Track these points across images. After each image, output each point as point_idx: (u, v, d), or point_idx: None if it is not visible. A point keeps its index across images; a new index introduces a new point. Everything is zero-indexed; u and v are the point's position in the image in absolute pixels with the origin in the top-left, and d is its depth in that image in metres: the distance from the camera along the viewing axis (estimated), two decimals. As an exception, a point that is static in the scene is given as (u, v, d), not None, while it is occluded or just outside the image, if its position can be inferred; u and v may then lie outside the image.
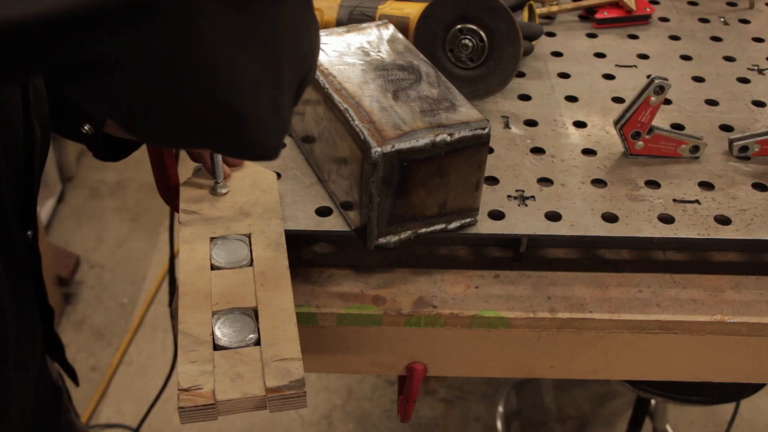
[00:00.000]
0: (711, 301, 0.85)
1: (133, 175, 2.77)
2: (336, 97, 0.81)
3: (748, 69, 1.16)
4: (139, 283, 2.39)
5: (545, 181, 0.92)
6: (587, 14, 1.27)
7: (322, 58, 0.87)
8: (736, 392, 1.47)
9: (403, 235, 0.81)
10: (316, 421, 2.03)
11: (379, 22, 0.94)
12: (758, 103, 1.08)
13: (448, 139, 0.76)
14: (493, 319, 0.83)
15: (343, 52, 0.88)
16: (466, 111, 0.80)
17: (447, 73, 1.04)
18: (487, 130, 0.78)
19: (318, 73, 0.84)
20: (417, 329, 0.84)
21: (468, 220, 0.84)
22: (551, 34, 1.23)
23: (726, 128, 1.03)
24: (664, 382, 1.40)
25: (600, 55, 1.18)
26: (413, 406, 0.92)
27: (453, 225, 0.83)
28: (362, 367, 0.89)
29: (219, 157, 0.85)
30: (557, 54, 1.18)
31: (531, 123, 1.02)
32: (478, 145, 0.78)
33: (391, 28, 0.93)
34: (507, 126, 1.01)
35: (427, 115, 0.79)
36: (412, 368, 0.88)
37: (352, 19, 1.09)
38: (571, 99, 1.07)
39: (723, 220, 0.87)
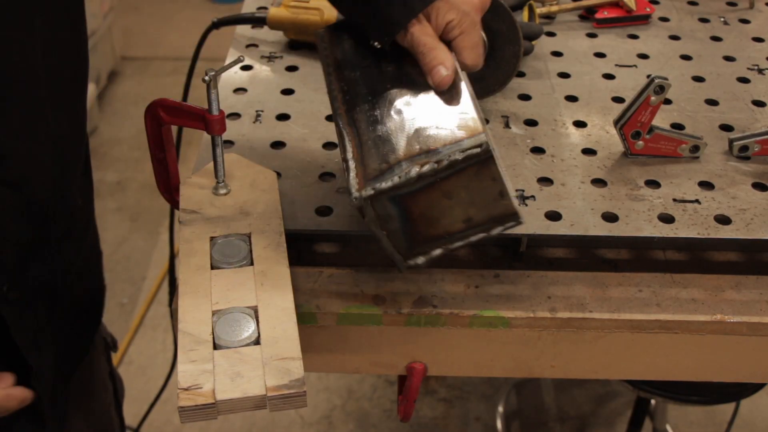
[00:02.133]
0: (711, 300, 0.85)
1: (133, 175, 2.77)
2: (340, 121, 0.78)
3: (748, 69, 1.16)
4: (139, 283, 2.39)
5: (545, 181, 0.92)
6: (587, 14, 1.27)
7: (342, 55, 0.84)
8: (736, 392, 1.47)
9: (434, 253, 0.76)
10: (316, 421, 2.03)
11: None
12: (758, 103, 1.08)
13: (436, 167, 0.70)
14: (493, 318, 0.83)
15: (353, 57, 0.84)
16: (464, 124, 0.73)
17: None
18: (483, 148, 0.70)
19: (331, 79, 0.82)
20: (417, 329, 0.84)
21: (510, 224, 0.75)
22: (551, 34, 1.23)
23: (726, 128, 1.03)
24: (664, 382, 1.40)
25: (600, 55, 1.18)
26: (413, 406, 0.92)
27: (496, 231, 0.75)
28: (362, 367, 0.89)
29: (220, 157, 0.84)
30: (557, 54, 1.18)
31: (531, 123, 1.02)
32: (480, 162, 0.71)
33: None
34: (507, 126, 1.01)
35: (417, 139, 0.72)
36: (412, 368, 0.88)
37: (352, 18, 1.09)
38: (571, 99, 1.07)
39: (723, 220, 0.87)
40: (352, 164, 0.73)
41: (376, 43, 0.82)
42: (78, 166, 0.85)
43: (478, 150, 0.70)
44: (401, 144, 0.73)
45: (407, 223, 0.73)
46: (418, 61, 0.79)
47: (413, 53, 0.79)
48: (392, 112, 0.77)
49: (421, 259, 0.76)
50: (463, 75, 0.79)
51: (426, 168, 0.70)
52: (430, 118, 0.74)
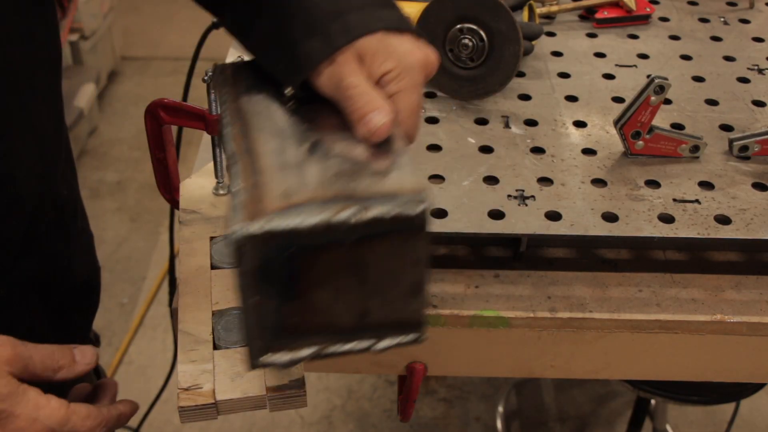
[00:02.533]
0: (711, 300, 0.85)
1: (133, 175, 2.77)
2: (230, 145, 0.60)
3: (748, 69, 1.16)
4: (139, 283, 2.39)
5: (545, 181, 0.92)
6: (587, 14, 1.27)
7: (244, 86, 0.68)
8: (736, 392, 1.47)
9: (302, 353, 0.58)
10: (316, 421, 2.03)
11: None
12: (758, 103, 1.08)
13: (355, 219, 0.52)
14: (493, 318, 0.83)
15: (269, 88, 0.67)
16: (400, 177, 0.56)
17: (447, 72, 1.04)
18: (420, 209, 0.53)
19: (227, 108, 0.65)
20: (417, 329, 0.83)
21: (409, 337, 0.59)
22: (551, 34, 1.23)
23: (726, 128, 1.03)
24: (664, 382, 1.40)
25: (600, 55, 1.18)
26: (413, 406, 0.92)
27: (384, 344, 0.59)
28: (362, 367, 0.89)
29: (220, 157, 0.84)
30: (557, 54, 1.18)
31: (531, 123, 1.02)
32: (409, 232, 0.54)
33: None
34: (507, 126, 1.01)
35: (341, 179, 0.55)
36: (412, 368, 0.88)
37: (352, 18, 1.09)
38: (571, 99, 1.07)
39: (723, 220, 0.87)
40: (241, 193, 0.55)
41: (287, 91, 0.65)
42: (60, 156, 0.84)
43: (413, 212, 0.53)
44: (313, 184, 0.55)
45: (289, 296, 0.55)
46: (344, 108, 0.61)
47: (337, 99, 0.62)
48: (306, 150, 0.59)
49: (283, 357, 0.58)
50: (398, 131, 0.62)
51: (343, 215, 0.52)
52: (357, 163, 0.57)
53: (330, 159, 0.57)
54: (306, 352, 0.58)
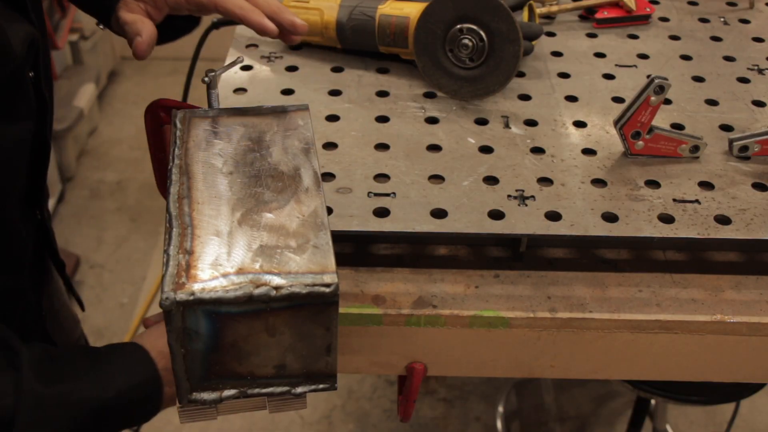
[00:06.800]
0: (711, 301, 0.85)
1: (133, 175, 2.77)
2: (173, 207, 0.67)
3: (748, 69, 1.16)
4: (139, 283, 2.39)
5: (545, 181, 0.92)
6: (587, 14, 1.27)
7: (194, 146, 0.74)
8: (736, 392, 1.47)
9: (225, 393, 0.67)
10: (316, 421, 2.03)
11: (296, 106, 0.81)
12: (758, 103, 1.08)
13: (273, 293, 0.61)
14: (493, 319, 0.83)
15: (219, 145, 0.74)
16: (317, 257, 0.63)
17: (447, 72, 1.04)
18: (332, 289, 0.62)
19: (175, 164, 0.71)
20: (417, 329, 0.84)
21: (321, 386, 0.68)
22: (551, 34, 1.23)
23: (726, 128, 1.03)
24: (664, 382, 1.40)
25: (600, 55, 1.18)
26: (413, 406, 0.93)
27: (300, 389, 0.68)
28: (362, 367, 0.89)
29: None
30: (557, 54, 1.18)
31: (531, 123, 1.02)
32: (322, 305, 0.62)
33: (302, 119, 0.79)
34: (507, 126, 1.01)
35: (263, 254, 0.63)
36: (412, 368, 0.88)
37: (352, 18, 1.09)
38: (571, 99, 1.07)
39: (723, 220, 0.87)
40: (174, 258, 0.62)
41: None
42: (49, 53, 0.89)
43: (326, 290, 0.62)
44: (240, 255, 0.63)
45: (213, 349, 0.63)
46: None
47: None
48: (238, 219, 0.66)
49: (209, 395, 0.66)
50: (322, 204, 0.69)
51: (260, 291, 0.60)
52: (281, 237, 0.65)
53: (258, 231, 0.65)
54: (230, 392, 0.66)
